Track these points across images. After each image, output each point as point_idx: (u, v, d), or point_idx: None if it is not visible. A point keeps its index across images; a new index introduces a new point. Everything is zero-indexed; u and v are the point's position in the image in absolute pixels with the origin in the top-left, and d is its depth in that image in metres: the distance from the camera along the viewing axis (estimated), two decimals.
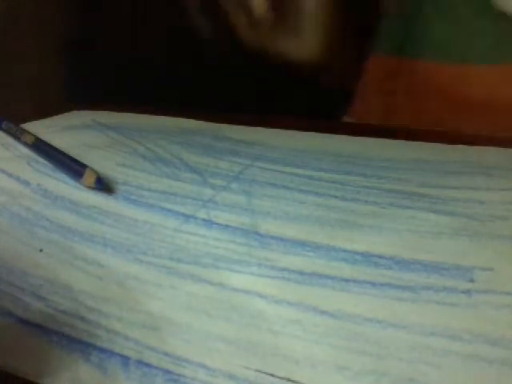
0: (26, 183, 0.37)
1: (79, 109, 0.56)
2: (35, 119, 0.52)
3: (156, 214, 0.32)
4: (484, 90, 0.49)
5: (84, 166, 0.37)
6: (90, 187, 0.36)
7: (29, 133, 0.45)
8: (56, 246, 0.29)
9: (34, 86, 0.58)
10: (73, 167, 0.38)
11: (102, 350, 0.21)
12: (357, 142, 0.44)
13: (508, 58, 0.48)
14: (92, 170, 0.37)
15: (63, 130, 0.49)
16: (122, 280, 0.26)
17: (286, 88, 0.53)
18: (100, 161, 0.41)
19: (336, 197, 0.34)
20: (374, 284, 0.25)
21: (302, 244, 0.29)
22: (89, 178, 0.36)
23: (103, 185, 0.36)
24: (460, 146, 0.41)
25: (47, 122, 0.52)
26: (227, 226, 0.31)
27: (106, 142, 0.45)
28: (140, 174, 0.38)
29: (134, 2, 0.61)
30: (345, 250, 0.28)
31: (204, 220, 0.31)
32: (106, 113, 0.55)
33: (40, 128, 0.48)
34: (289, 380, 0.20)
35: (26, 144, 0.44)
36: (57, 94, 0.61)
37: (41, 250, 0.28)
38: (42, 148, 0.42)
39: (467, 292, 0.24)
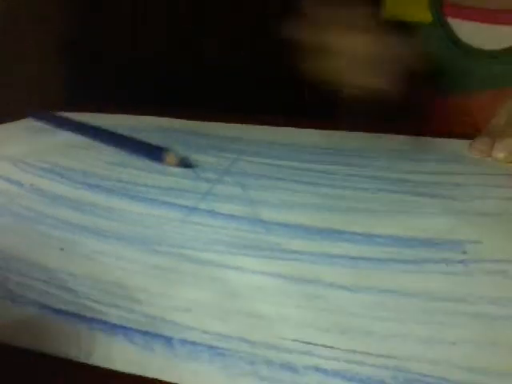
0: (19, 184, 0.37)
1: (79, 109, 0.56)
2: None
3: (159, 207, 0.33)
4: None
5: (163, 148, 0.40)
6: (173, 166, 0.39)
7: (88, 124, 0.47)
8: (70, 242, 0.29)
9: (34, 85, 0.58)
10: (152, 150, 0.41)
11: (144, 333, 0.22)
12: (332, 135, 0.46)
13: (481, 86, 0.52)
14: (173, 151, 0.40)
15: (38, 132, 0.48)
16: (144, 269, 0.26)
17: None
18: (87, 159, 0.41)
19: (325, 185, 0.36)
20: (379, 260, 0.26)
21: (306, 229, 0.30)
22: (171, 158, 0.39)
23: (186, 162, 0.39)
24: (435, 139, 0.45)
25: (14, 125, 0.51)
26: (231, 216, 0.32)
27: (84, 143, 0.45)
28: (132, 171, 0.39)
29: (134, 2, 0.61)
30: (346, 232, 0.29)
31: (207, 211, 0.32)
32: (75, 114, 0.53)
33: (11, 130, 0.48)
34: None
35: (88, 133, 0.45)
36: (57, 94, 0.61)
37: (61, 249, 0.28)
38: (108, 137, 0.44)
39: (463, 262, 0.26)
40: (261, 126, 0.49)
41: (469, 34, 0.51)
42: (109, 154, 0.42)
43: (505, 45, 0.50)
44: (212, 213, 0.32)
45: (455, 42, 0.52)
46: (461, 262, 0.26)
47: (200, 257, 0.27)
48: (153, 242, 0.29)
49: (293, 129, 0.48)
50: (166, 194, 0.35)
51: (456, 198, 0.33)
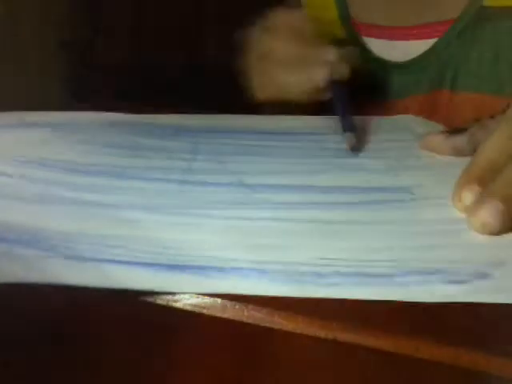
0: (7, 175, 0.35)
1: (80, 109, 0.56)
2: None
3: (151, 182, 0.34)
4: None
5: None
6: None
7: None
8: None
9: (34, 85, 0.59)
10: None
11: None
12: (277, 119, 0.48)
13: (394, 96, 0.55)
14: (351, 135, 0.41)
15: (21, 127, 0.45)
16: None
17: None
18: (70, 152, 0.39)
19: (295, 156, 0.39)
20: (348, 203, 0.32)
21: (286, 186, 0.34)
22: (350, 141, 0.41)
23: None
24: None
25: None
26: (218, 184, 0.34)
27: (49, 138, 0.42)
28: (108, 158, 0.38)
29: (134, 2, 0.62)
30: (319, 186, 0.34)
31: (196, 182, 0.34)
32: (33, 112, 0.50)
33: None
34: None
35: None
36: (57, 94, 0.61)
37: None
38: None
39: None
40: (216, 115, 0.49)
41: (379, 49, 0.55)
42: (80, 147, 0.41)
43: (412, 56, 0.54)
44: (201, 183, 0.34)
45: (368, 56, 0.56)
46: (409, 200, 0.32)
47: (207, 212, 0.30)
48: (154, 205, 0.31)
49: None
50: (149, 171, 0.35)
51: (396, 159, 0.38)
